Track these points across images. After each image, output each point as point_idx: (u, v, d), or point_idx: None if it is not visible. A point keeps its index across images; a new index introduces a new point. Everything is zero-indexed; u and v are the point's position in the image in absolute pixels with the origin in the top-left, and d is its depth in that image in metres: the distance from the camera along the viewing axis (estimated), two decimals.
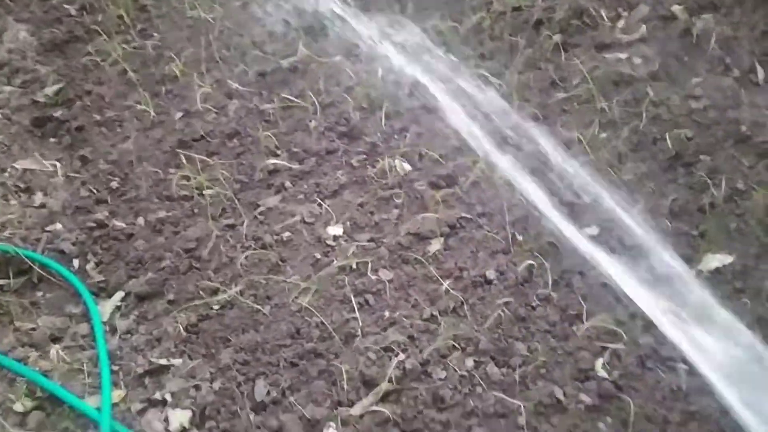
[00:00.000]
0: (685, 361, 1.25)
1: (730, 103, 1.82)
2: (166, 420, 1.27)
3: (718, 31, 2.00)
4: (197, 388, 1.33)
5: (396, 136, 1.98)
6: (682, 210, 1.57)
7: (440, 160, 1.85)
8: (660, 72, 1.99)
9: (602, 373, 1.25)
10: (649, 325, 1.31)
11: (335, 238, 1.68)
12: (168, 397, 1.32)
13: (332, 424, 1.24)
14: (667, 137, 1.76)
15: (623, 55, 2.11)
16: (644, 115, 1.85)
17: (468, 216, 1.68)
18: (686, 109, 1.83)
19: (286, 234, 1.70)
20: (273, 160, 1.90)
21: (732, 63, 1.96)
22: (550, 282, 1.47)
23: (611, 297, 1.41)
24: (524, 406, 1.22)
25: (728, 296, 1.35)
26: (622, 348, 1.28)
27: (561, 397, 1.23)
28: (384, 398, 1.28)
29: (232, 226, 1.74)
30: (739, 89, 1.86)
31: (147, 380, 1.38)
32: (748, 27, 2.02)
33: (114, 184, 1.95)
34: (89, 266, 1.70)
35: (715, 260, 1.42)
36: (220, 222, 1.75)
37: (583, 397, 1.22)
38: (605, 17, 2.22)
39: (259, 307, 1.51)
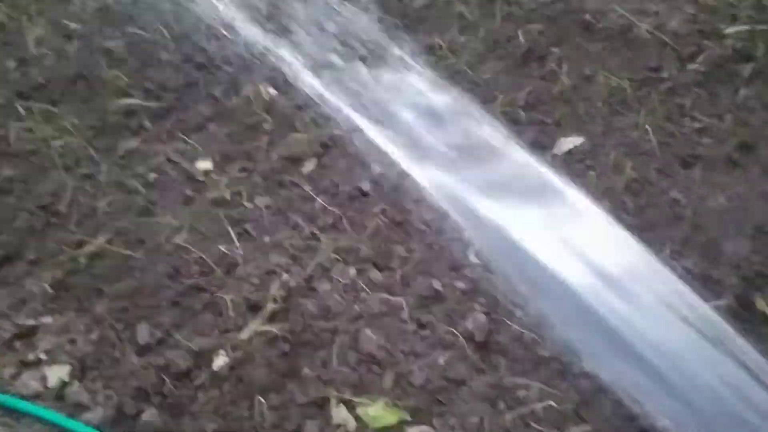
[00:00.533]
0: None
1: None
2: (44, 378, 1.21)
3: None
4: (73, 342, 1.27)
5: (258, 61, 1.91)
6: (537, 100, 1.65)
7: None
8: None
9: (474, 260, 1.32)
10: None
11: (205, 172, 1.62)
12: (42, 356, 1.25)
13: (222, 351, 1.23)
14: (520, 34, 1.82)
15: None
16: (498, 15, 1.90)
17: (339, 133, 1.67)
18: (536, 4, 1.89)
19: (152, 175, 1.61)
20: (126, 100, 1.78)
21: None
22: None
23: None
24: (406, 301, 1.27)
25: (579, 174, 1.45)
26: (489, 234, 1.35)
27: (439, 287, 1.29)
28: (271, 318, 1.28)
29: (89, 176, 1.63)
30: None
31: (17, 344, 1.30)
32: None
33: None
34: None
35: (568, 143, 1.51)
36: (75, 173, 1.63)
37: (459, 283, 1.28)
38: None
39: (130, 252, 1.44)
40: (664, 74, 1.64)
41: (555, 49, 1.78)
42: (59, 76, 1.86)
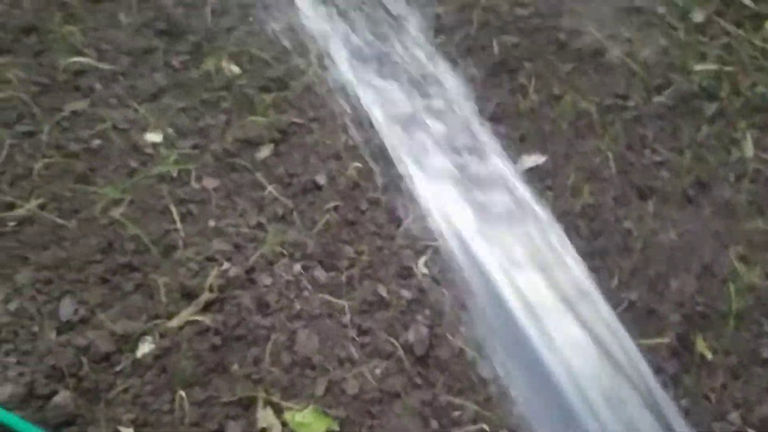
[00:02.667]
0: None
1: (554, 11, 1.89)
2: None
3: None
4: None
5: (223, 35, 1.82)
6: (505, 113, 1.63)
7: (271, 62, 1.74)
8: None
9: (423, 270, 1.29)
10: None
11: (154, 145, 1.54)
12: None
13: (148, 337, 1.17)
14: (495, 43, 1.79)
15: None
16: (475, 21, 1.87)
17: (299, 121, 1.62)
18: (513, 16, 1.87)
19: (96, 141, 1.52)
20: (79, 59, 1.67)
21: None
22: (380, 186, 1.48)
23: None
24: (349, 305, 1.23)
25: (538, 193, 1.44)
26: (442, 244, 1.33)
27: (384, 294, 1.25)
28: (206, 308, 1.22)
29: (29, 134, 1.52)
30: None
31: None
32: None
33: None
34: None
35: (530, 160, 1.50)
36: (14, 129, 1.52)
37: (405, 292, 1.25)
38: None
39: (63, 221, 1.35)
40: (631, 103, 1.65)
41: (527, 64, 1.76)
42: (10, 25, 1.73)
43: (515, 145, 1.55)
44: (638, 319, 1.19)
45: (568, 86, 1.68)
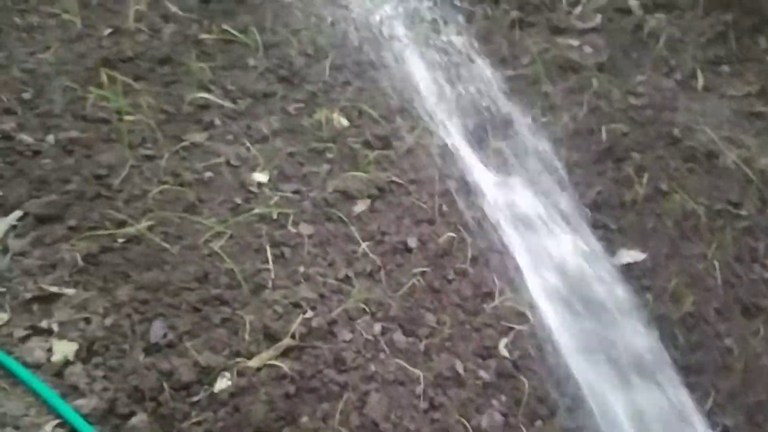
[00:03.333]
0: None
1: (668, 104, 1.85)
2: (50, 350, 1.19)
3: (668, 31, 2.03)
4: (87, 321, 1.25)
5: (338, 89, 1.91)
6: (605, 203, 1.60)
7: (379, 119, 1.80)
8: (607, 64, 2.00)
9: (504, 353, 1.27)
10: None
11: (259, 185, 1.61)
12: (55, 327, 1.23)
13: (227, 373, 1.20)
14: (603, 130, 1.77)
15: (575, 42, 2.11)
16: (585, 105, 1.86)
17: (398, 181, 1.65)
18: (625, 105, 1.85)
19: (208, 174, 1.61)
20: (205, 95, 1.79)
21: (676, 66, 2.00)
22: (469, 257, 1.47)
23: (524, 280, 1.42)
24: (424, 376, 1.22)
25: (634, 292, 1.38)
26: (527, 330, 1.30)
27: (461, 371, 1.23)
28: (285, 353, 1.25)
29: (150, 158, 1.63)
30: (679, 92, 1.90)
31: (35, 307, 1.29)
32: (697, 33, 2.06)
33: (26, 96, 1.78)
34: None
35: (629, 255, 1.45)
36: (137, 151, 1.64)
37: (482, 373, 1.23)
38: (564, 1, 2.21)
39: (167, 245, 1.43)
40: (743, 211, 1.57)
41: (636, 155, 1.73)
42: (148, 55, 1.90)
43: (614, 237, 1.51)
44: None
45: (677, 184, 1.63)
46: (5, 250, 1.41)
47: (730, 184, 1.64)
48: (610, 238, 1.51)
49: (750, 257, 1.47)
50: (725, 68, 2.01)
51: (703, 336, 1.29)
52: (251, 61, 1.92)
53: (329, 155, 1.70)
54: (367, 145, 1.74)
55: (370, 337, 1.29)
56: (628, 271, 1.43)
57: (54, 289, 1.31)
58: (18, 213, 1.49)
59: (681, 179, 1.65)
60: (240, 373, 1.20)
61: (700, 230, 1.52)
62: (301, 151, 1.71)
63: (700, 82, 1.93)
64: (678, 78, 1.95)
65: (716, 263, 1.42)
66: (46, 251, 1.41)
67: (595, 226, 1.53)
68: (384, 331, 1.30)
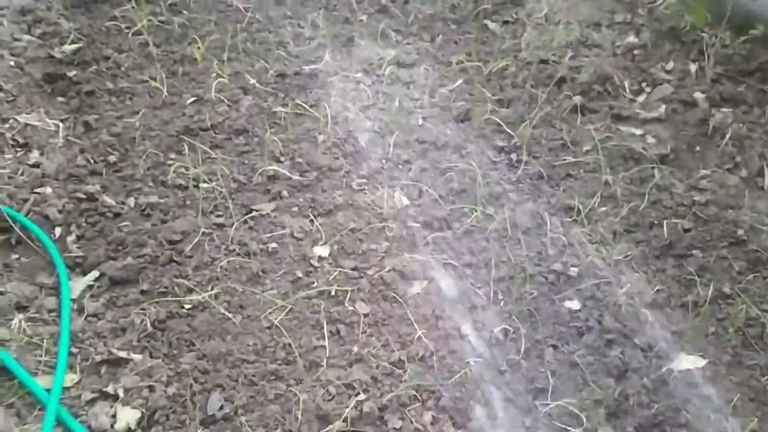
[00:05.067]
0: None
1: (733, 202, 1.83)
2: (114, 416, 1.25)
3: (734, 127, 2.01)
4: (151, 389, 1.31)
5: (400, 167, 1.98)
6: (665, 303, 1.58)
7: (439, 200, 1.85)
8: (670, 156, 2.00)
9: None
10: (608, 419, 1.31)
11: (320, 258, 1.67)
12: (120, 393, 1.30)
13: None
14: (665, 225, 1.76)
15: (638, 131, 2.12)
16: (647, 197, 1.86)
17: (455, 263, 1.68)
18: (689, 200, 1.84)
19: (273, 245, 1.68)
20: (275, 167, 1.89)
21: (742, 162, 1.97)
22: (522, 349, 1.47)
23: (580, 379, 1.41)
24: None
25: (692, 400, 1.35)
26: None
27: None
28: None
29: (220, 226, 1.73)
30: (744, 190, 1.87)
31: (103, 370, 1.36)
32: (764, 129, 2.03)
33: (112, 158, 1.93)
34: (70, 238, 1.67)
35: (688, 361, 1.42)
36: (209, 218, 1.74)
37: None
38: (627, 89, 2.24)
39: (230, 315, 1.49)
40: None
41: (697, 253, 1.70)
42: (226, 125, 2.02)
43: (674, 340, 1.48)
44: None
45: (742, 288, 1.59)
46: (81, 310, 1.51)
47: None
48: (668, 340, 1.49)
49: None
50: None
51: None
52: (320, 136, 2.02)
53: (389, 233, 1.75)
54: (426, 225, 1.79)
55: (420, 427, 1.30)
56: (686, 377, 1.40)
57: (123, 354, 1.39)
58: (95, 273, 1.59)
59: (745, 283, 1.61)
60: None
61: (764, 339, 1.48)
62: (362, 227, 1.76)
63: (767, 180, 1.90)
64: (744, 175, 1.92)
65: None
66: (118, 314, 1.50)
67: (654, 324, 1.50)
68: (434, 421, 1.31)
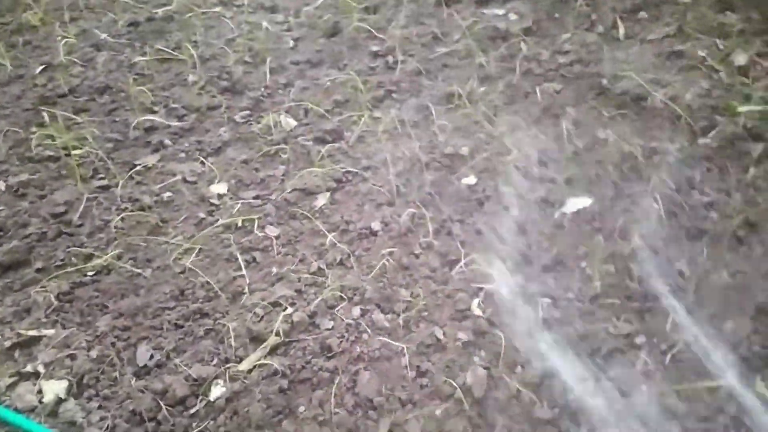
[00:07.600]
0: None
1: (594, 58, 1.95)
2: (40, 392, 1.21)
3: None
4: (72, 357, 1.27)
5: (280, 91, 1.95)
6: (550, 159, 1.68)
7: (326, 115, 1.85)
8: (533, 28, 2.09)
9: (477, 312, 1.34)
10: (518, 267, 1.41)
11: (219, 196, 1.64)
12: (41, 369, 1.25)
13: (220, 381, 1.24)
14: (538, 91, 1.86)
15: (500, 12, 2.19)
16: (518, 69, 1.94)
17: (353, 170, 1.70)
18: (555, 64, 1.94)
19: (167, 194, 1.63)
20: (149, 117, 1.81)
21: (597, 19, 2.10)
22: (431, 231, 1.54)
23: (486, 242, 1.50)
24: (407, 348, 1.28)
25: (586, 235, 1.47)
26: (494, 288, 1.37)
27: (440, 336, 1.30)
28: (272, 351, 1.29)
29: (105, 188, 1.65)
30: (603, 44, 2.00)
31: (16, 353, 1.30)
32: None
33: None
34: None
35: (577, 203, 1.54)
36: (91, 184, 1.65)
37: (460, 334, 1.30)
38: None
39: (138, 270, 1.45)
40: (676, 145, 1.68)
41: (570, 109, 1.82)
42: (85, 86, 1.89)
43: (564, 188, 1.60)
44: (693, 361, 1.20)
45: (612, 130, 1.73)
46: None
47: (660, 122, 1.75)
48: (557, 190, 1.60)
49: (688, 186, 1.57)
50: (643, 14, 2.12)
51: (654, 266, 1.38)
52: (190, 77, 1.94)
53: (283, 156, 1.74)
54: (318, 140, 1.79)
55: (350, 322, 1.34)
56: (578, 217, 1.52)
57: (33, 332, 1.32)
58: None
59: (614, 125, 1.74)
60: (232, 378, 1.24)
61: (638, 169, 1.62)
62: (254, 158, 1.74)
63: (621, 31, 2.03)
64: (600, 31, 2.05)
65: (657, 196, 1.52)
66: (18, 297, 1.42)
67: (543, 180, 1.61)
68: (363, 313, 1.36)
